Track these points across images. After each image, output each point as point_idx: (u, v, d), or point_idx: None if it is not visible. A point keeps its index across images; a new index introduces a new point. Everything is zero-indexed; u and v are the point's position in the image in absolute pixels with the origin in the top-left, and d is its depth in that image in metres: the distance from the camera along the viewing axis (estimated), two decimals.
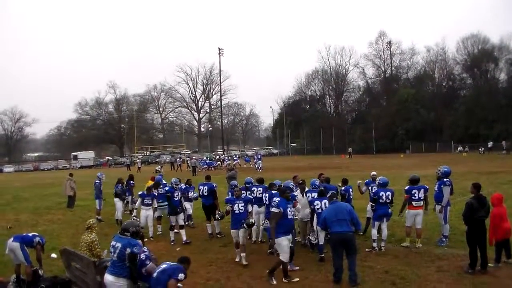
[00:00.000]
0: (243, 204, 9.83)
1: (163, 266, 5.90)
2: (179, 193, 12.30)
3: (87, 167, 73.53)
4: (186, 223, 13.20)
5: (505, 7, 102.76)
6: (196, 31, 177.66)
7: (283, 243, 8.01)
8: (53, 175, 50.87)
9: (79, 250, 8.11)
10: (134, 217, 10.31)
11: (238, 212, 9.75)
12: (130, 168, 51.36)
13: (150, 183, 15.64)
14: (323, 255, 9.48)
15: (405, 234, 10.59)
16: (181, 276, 5.70)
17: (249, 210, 10.06)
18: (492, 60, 74.81)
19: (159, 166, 47.38)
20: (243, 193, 10.99)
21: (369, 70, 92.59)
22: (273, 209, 8.09)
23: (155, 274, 5.84)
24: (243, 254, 9.56)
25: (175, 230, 11.92)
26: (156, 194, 12.88)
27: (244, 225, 9.41)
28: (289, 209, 8.17)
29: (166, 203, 12.77)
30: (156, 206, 12.78)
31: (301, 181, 11.48)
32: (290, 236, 8.21)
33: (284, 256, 8.07)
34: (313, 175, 14.66)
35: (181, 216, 12.02)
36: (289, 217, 8.17)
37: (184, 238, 11.76)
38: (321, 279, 8.30)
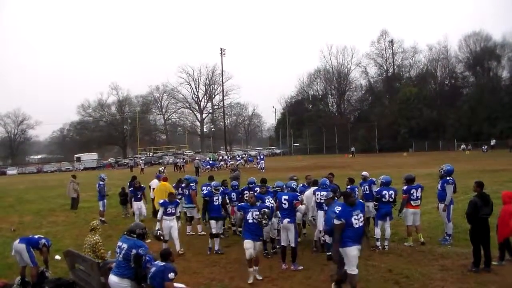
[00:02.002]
0: (258, 213, 8.48)
1: (152, 270, 5.98)
2: (219, 197, 11.16)
3: (90, 169, 73.71)
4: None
5: (507, 5, 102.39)
6: (198, 32, 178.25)
7: (351, 253, 6.90)
8: (57, 177, 51.04)
9: (83, 252, 8.14)
10: (158, 230, 9.10)
11: (252, 222, 8.49)
12: (133, 170, 51.44)
13: (164, 184, 15.63)
14: (330, 254, 9.47)
15: (406, 234, 10.59)
16: (171, 275, 5.82)
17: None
18: (495, 57, 74.85)
19: (162, 167, 47.44)
20: (259, 201, 9.70)
21: (371, 69, 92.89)
22: (334, 221, 6.97)
23: (148, 281, 5.95)
24: (256, 268, 8.53)
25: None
26: (180, 199, 12.42)
27: (264, 211, 8.42)
28: (354, 216, 6.93)
29: (191, 204, 12.78)
30: (179, 214, 11.87)
31: (295, 177, 11.55)
32: (360, 246, 7.08)
33: (352, 269, 6.99)
34: (317, 174, 14.69)
35: (220, 223, 11.12)
36: (356, 226, 6.93)
37: (214, 246, 10.85)
38: (324, 279, 8.29)
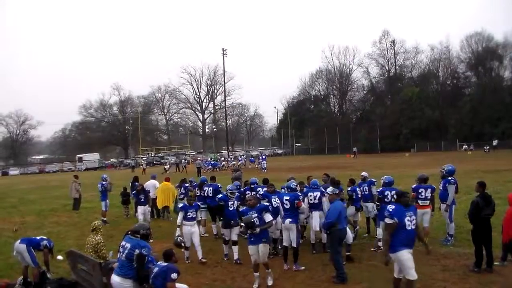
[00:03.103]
0: (256, 215, 8.25)
1: (155, 270, 6.02)
2: (235, 201, 10.46)
3: (92, 169, 73.84)
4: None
5: (508, 5, 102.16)
6: (199, 32, 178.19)
7: (403, 257, 6.53)
8: (58, 177, 51.10)
9: (85, 252, 8.15)
10: (178, 236, 8.83)
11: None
12: (135, 170, 51.50)
13: (166, 184, 15.63)
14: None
15: None
16: (174, 275, 5.86)
17: (268, 220, 8.34)
18: (497, 58, 74.73)
19: (168, 165, 47.68)
20: (264, 199, 9.86)
21: (373, 69, 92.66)
22: (386, 220, 6.76)
23: (150, 281, 6.00)
24: (268, 271, 8.16)
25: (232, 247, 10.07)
26: (182, 199, 12.13)
27: (242, 223, 8.24)
28: (407, 217, 6.61)
29: (205, 205, 12.57)
30: (201, 218, 11.11)
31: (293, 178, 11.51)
32: (411, 250, 6.66)
33: (410, 273, 6.55)
34: (319, 175, 14.69)
35: (236, 230, 9.87)
36: (409, 228, 6.59)
37: (236, 256, 9.91)
38: (326, 279, 8.29)
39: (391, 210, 6.67)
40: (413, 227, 6.67)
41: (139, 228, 6.59)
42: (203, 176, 15.01)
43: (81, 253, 8.06)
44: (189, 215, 10.05)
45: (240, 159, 54.62)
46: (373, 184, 11.54)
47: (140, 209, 13.81)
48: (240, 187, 12.22)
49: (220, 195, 10.92)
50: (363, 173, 12.09)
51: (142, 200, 13.86)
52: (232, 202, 10.32)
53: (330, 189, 9.19)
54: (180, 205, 10.54)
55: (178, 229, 9.99)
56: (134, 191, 14.53)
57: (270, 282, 8.16)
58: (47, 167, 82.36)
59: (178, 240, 8.47)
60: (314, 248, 10.39)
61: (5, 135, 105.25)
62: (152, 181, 16.26)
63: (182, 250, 9.74)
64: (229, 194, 10.46)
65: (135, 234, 6.42)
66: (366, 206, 11.32)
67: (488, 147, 56.24)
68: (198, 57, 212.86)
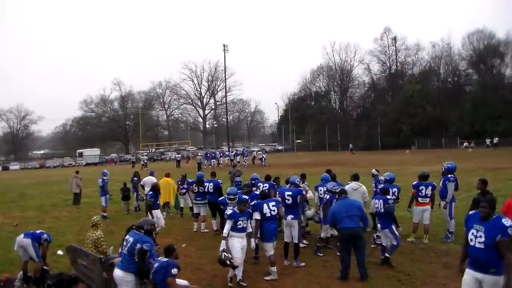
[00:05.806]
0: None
1: (155, 265, 6.02)
2: (235, 208, 8.20)
3: (92, 164, 73.93)
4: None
5: (510, 2, 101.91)
6: (200, 28, 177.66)
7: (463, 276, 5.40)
8: (59, 173, 51.15)
9: (85, 247, 8.17)
10: (223, 252, 7.53)
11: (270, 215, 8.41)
12: (135, 165, 51.52)
13: (166, 180, 15.56)
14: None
15: (411, 230, 10.60)
16: (174, 271, 5.87)
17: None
18: (498, 55, 74.54)
19: (144, 161, 47.89)
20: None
21: (374, 66, 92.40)
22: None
23: (150, 276, 6.02)
24: (270, 268, 8.33)
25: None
26: (183, 194, 11.42)
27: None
28: (472, 231, 5.18)
29: (204, 201, 12.54)
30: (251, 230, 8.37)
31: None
32: (480, 274, 5.05)
33: None
34: (319, 171, 14.69)
35: (251, 241, 8.26)
36: (472, 243, 5.15)
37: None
38: (325, 276, 8.30)
39: (466, 217, 5.55)
40: (479, 245, 5.08)
41: (143, 223, 6.61)
42: (200, 172, 14.91)
43: (81, 248, 8.08)
44: (240, 224, 7.92)
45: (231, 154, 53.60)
46: (379, 182, 11.60)
47: (155, 213, 11.56)
48: (241, 183, 12.13)
49: (222, 198, 9.74)
50: (374, 171, 12.28)
51: (158, 202, 12.11)
52: (231, 208, 8.23)
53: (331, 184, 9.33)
54: (229, 212, 8.07)
55: (223, 242, 7.89)
56: (152, 192, 12.07)
57: (267, 277, 8.30)
58: (48, 162, 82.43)
59: (223, 256, 7.45)
60: (319, 238, 10.44)
61: (5, 130, 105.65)
62: (150, 178, 16.17)
63: (228, 268, 7.96)
64: (228, 198, 8.80)
65: (140, 229, 6.46)
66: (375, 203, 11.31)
67: (490, 140, 56.53)
68: (199, 52, 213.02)
